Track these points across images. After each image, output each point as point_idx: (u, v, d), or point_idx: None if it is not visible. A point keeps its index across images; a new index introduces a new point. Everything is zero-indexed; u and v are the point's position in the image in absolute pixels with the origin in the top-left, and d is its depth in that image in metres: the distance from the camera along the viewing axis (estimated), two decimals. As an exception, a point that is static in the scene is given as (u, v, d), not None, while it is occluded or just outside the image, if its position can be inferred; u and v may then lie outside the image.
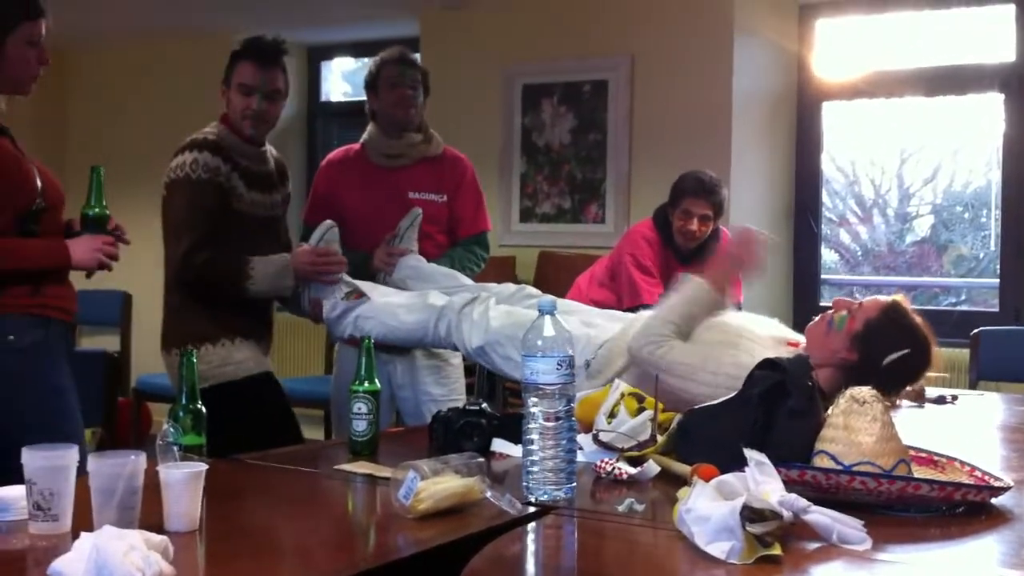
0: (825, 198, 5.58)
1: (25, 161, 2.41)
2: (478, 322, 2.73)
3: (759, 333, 2.44)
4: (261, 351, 3.05)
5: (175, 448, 1.68)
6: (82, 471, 1.56)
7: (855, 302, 2.31)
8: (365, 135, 3.38)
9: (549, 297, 2.75)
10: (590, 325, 2.68)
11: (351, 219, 3.16)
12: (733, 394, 2.03)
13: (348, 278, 3.01)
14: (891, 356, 2.18)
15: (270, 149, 3.14)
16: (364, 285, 2.98)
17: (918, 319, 2.28)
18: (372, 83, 3.33)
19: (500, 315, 2.73)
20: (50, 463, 1.54)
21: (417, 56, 5.99)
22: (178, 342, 2.93)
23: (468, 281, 3.10)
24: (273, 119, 3.05)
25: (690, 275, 2.61)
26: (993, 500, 1.75)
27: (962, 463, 1.89)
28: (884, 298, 2.31)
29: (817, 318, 2.35)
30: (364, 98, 3.40)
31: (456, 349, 2.91)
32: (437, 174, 3.33)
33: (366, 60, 6.80)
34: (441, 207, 3.31)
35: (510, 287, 2.97)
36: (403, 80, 3.29)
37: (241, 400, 2.86)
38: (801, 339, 2.42)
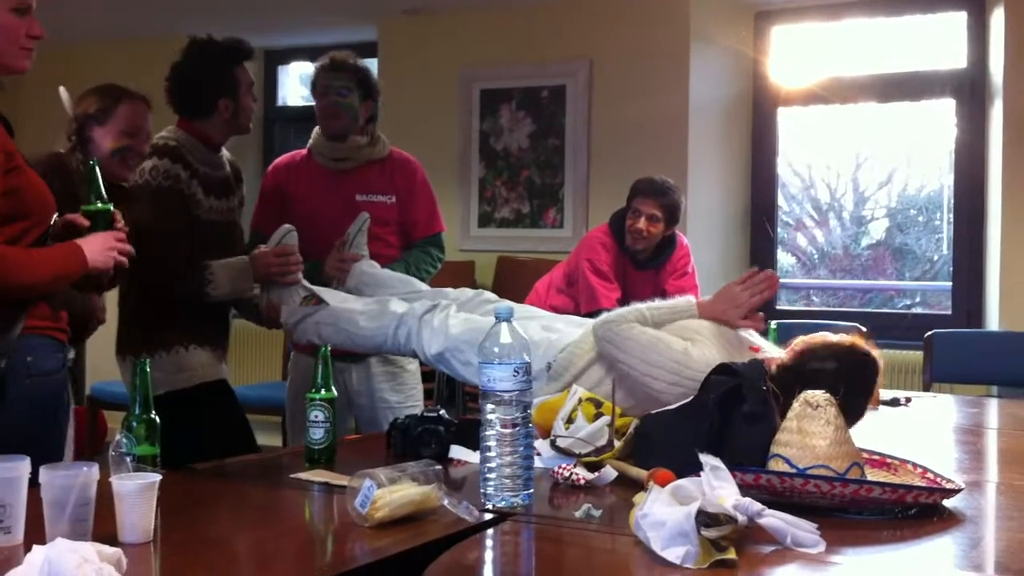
0: (781, 202, 5.63)
1: (35, 175, 2.24)
2: (438, 329, 2.72)
3: (710, 333, 2.45)
4: (216, 358, 3.02)
5: (128, 459, 1.66)
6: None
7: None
8: (311, 139, 3.35)
9: (506, 303, 2.75)
10: (551, 330, 2.68)
11: (299, 224, 3.11)
12: (689, 399, 2.04)
13: (306, 283, 2.99)
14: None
15: (225, 153, 3.13)
16: (322, 291, 2.96)
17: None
18: (312, 90, 3.31)
19: (459, 322, 2.73)
20: (1, 474, 1.51)
21: (374, 61, 5.99)
22: (132, 348, 2.90)
23: (423, 287, 3.09)
24: None
25: (688, 297, 2.60)
26: (945, 502, 1.77)
27: (915, 465, 1.91)
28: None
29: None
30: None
31: (415, 356, 2.90)
32: (385, 176, 3.30)
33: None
34: (390, 208, 3.28)
35: (467, 292, 2.96)
36: (329, 89, 3.24)
37: (194, 408, 2.83)
38: (762, 343, 2.45)
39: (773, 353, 2.32)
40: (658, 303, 2.57)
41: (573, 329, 2.67)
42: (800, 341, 2.17)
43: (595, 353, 2.49)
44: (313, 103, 3.31)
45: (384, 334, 2.82)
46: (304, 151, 3.37)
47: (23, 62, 2.19)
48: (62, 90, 2.91)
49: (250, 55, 3.06)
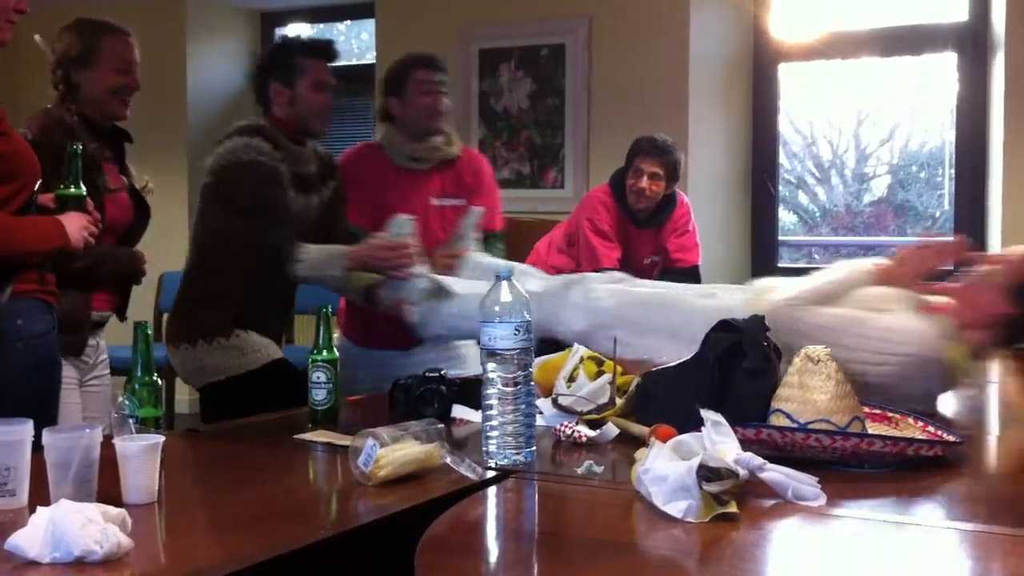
0: (783, 160, 5.61)
1: (21, 139, 2.26)
2: (581, 304, 2.48)
3: (894, 299, 2.28)
4: (269, 338, 2.97)
5: (131, 421, 1.67)
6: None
7: (995, 255, 2.22)
8: (382, 137, 3.23)
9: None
10: (709, 296, 2.45)
11: (369, 220, 3.04)
12: (691, 356, 2.05)
13: (430, 274, 2.82)
14: None
15: (315, 146, 3.08)
16: (447, 279, 2.79)
17: None
18: (396, 86, 3.16)
19: (606, 295, 2.49)
20: (5, 438, 1.52)
21: (371, 22, 5.95)
22: (188, 336, 2.89)
23: (540, 272, 2.91)
24: None
25: (861, 262, 2.44)
26: (946, 455, 1.78)
27: (915, 419, 1.92)
28: None
29: (953, 280, 2.24)
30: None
31: (556, 337, 2.63)
32: (457, 177, 3.22)
33: (322, 26, 6.80)
34: (461, 210, 3.18)
35: (606, 274, 2.79)
36: (438, 87, 3.15)
37: (258, 389, 2.83)
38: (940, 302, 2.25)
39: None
40: (832, 273, 2.37)
41: (734, 294, 2.47)
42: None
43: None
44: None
45: None
46: (374, 143, 3.27)
47: (6, 34, 2.20)
48: (38, 38, 2.86)
49: (322, 51, 3.00)
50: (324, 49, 3.02)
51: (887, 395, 2.05)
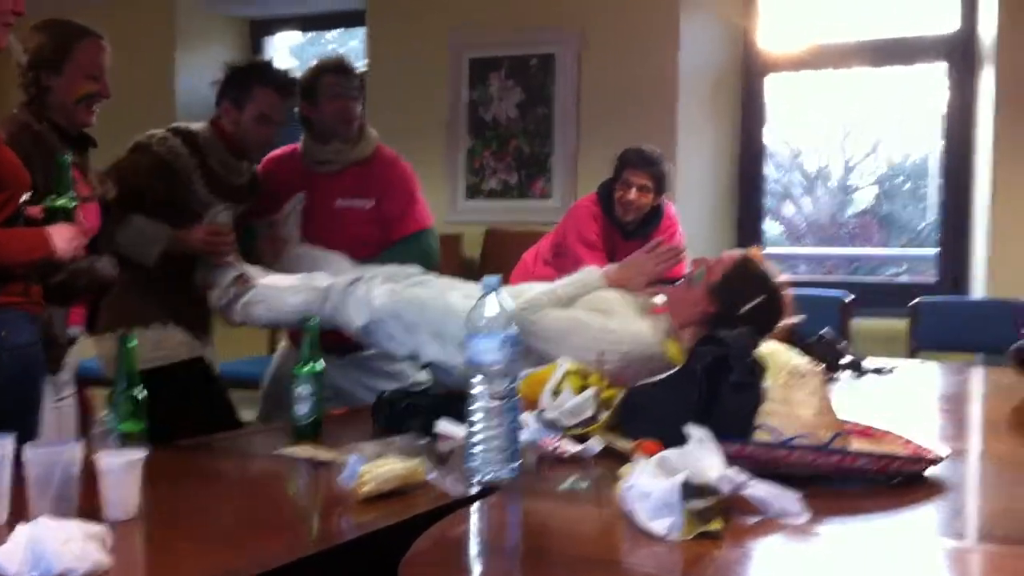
0: (770, 170, 5.62)
1: (8, 150, 2.25)
2: (362, 300, 2.72)
3: (622, 303, 2.55)
4: (194, 336, 3.01)
5: (113, 435, 1.66)
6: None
7: (711, 259, 2.49)
8: (300, 142, 3.29)
9: (435, 278, 2.84)
10: (470, 297, 2.69)
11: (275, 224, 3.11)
12: (676, 369, 2.05)
13: (239, 264, 2.95)
14: (747, 304, 2.34)
15: (249, 166, 3.13)
16: (249, 269, 2.94)
17: (770, 269, 2.45)
18: (308, 91, 3.20)
19: (383, 293, 2.72)
20: (-16, 453, 1.51)
21: (362, 31, 5.94)
22: (111, 324, 2.89)
23: (349, 264, 3.04)
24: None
25: (593, 268, 2.73)
26: (929, 471, 1.78)
27: (897, 435, 1.92)
28: (737, 251, 2.51)
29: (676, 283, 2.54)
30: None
31: (341, 329, 2.85)
32: (365, 177, 3.24)
33: (312, 34, 6.79)
34: (369, 213, 3.21)
35: (395, 268, 2.90)
36: (347, 91, 3.19)
37: (172, 386, 2.82)
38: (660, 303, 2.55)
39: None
40: (567, 279, 2.65)
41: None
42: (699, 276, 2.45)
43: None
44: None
45: (309, 308, 2.77)
46: (295, 148, 3.31)
47: (3, 39, 2.18)
48: (12, 39, 2.82)
49: (279, 85, 3.03)
50: (281, 83, 3.04)
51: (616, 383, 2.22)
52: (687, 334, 2.37)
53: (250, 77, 3.03)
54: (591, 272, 2.67)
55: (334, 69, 3.21)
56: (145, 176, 2.90)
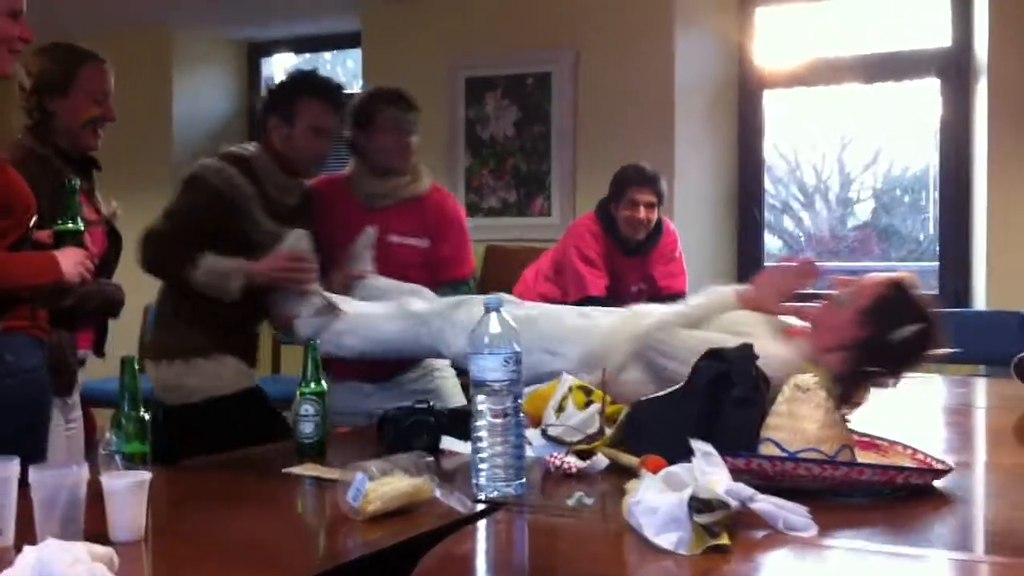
0: (768, 185, 5.63)
1: (15, 173, 2.23)
2: (466, 325, 2.48)
3: (757, 323, 2.36)
4: (246, 365, 2.98)
5: (118, 457, 1.65)
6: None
7: (854, 279, 2.27)
8: (349, 169, 3.18)
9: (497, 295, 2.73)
10: (586, 316, 2.60)
11: (324, 255, 2.98)
12: (679, 385, 2.05)
13: (323, 292, 2.83)
14: (903, 331, 2.14)
15: (303, 184, 3.06)
16: (337, 298, 2.81)
17: (923, 296, 2.25)
18: (362, 119, 3.11)
19: None
20: (-9, 476, 1.51)
21: (357, 52, 5.96)
22: (168, 353, 2.88)
23: (431, 293, 2.92)
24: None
25: (724, 287, 2.51)
26: (935, 482, 1.78)
27: (904, 446, 1.92)
28: (889, 274, 2.27)
29: (817, 303, 2.30)
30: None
31: (441, 356, 2.77)
32: (419, 215, 3.12)
33: (308, 56, 6.81)
34: (423, 252, 3.11)
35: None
36: (405, 125, 3.10)
37: (231, 414, 2.82)
38: (801, 325, 2.35)
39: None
40: (697, 299, 2.47)
41: (609, 318, 2.58)
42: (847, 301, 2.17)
43: (632, 348, 2.37)
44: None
45: (409, 335, 2.69)
46: (341, 176, 3.20)
47: (9, 67, 2.19)
48: (17, 65, 2.82)
49: (323, 90, 2.96)
50: (328, 91, 2.97)
51: None
52: (831, 359, 2.13)
53: (295, 90, 2.96)
54: (722, 292, 2.46)
55: (393, 101, 3.12)
56: (205, 211, 2.84)
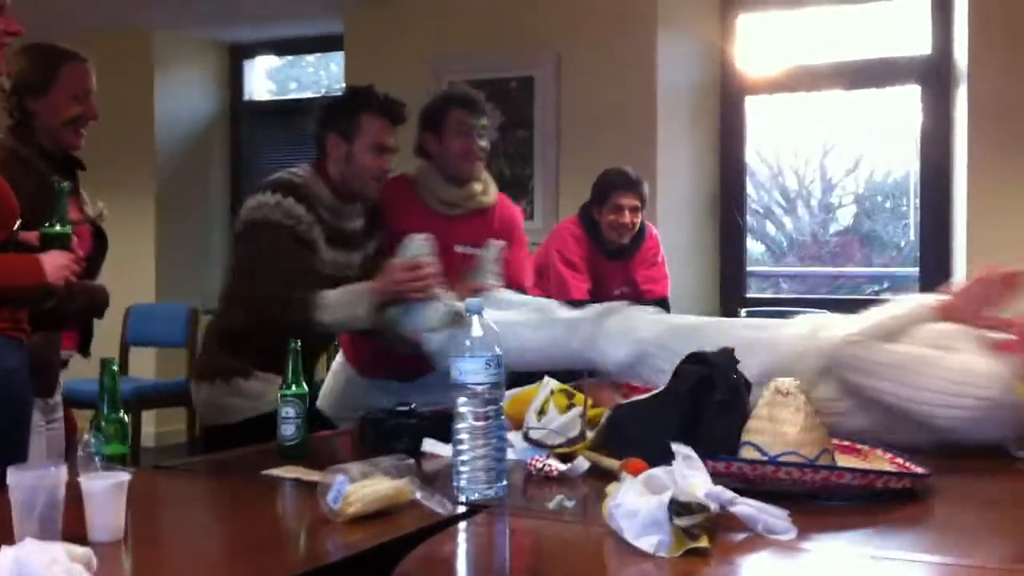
0: (750, 190, 5.66)
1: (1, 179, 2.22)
2: (621, 333, 2.41)
3: (962, 337, 2.16)
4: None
5: (97, 458, 1.65)
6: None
7: None
8: (417, 172, 3.10)
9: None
10: (754, 328, 2.42)
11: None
12: (662, 388, 2.05)
13: (449, 300, 2.68)
14: None
15: (361, 205, 2.91)
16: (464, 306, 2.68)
17: None
18: (433, 122, 3.05)
19: (648, 324, 2.42)
20: (-32, 477, 1.50)
21: (340, 55, 5.96)
22: (211, 374, 2.79)
23: (556, 306, 2.75)
24: None
25: (921, 297, 2.35)
26: (915, 487, 1.78)
27: (883, 451, 1.93)
28: None
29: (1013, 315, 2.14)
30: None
31: (592, 366, 2.58)
32: (486, 226, 3.07)
33: (290, 58, 6.81)
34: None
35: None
36: (475, 129, 3.02)
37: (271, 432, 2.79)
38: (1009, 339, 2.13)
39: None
40: (893, 309, 2.27)
41: (787, 330, 2.36)
42: None
43: (822, 364, 2.17)
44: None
45: (557, 343, 2.51)
46: (405, 178, 3.09)
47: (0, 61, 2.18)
48: None
49: (384, 107, 2.83)
50: (389, 108, 2.86)
51: (956, 438, 2.01)
52: None
53: (355, 106, 2.84)
54: (919, 302, 2.29)
55: (463, 103, 3.06)
56: (288, 249, 2.67)
